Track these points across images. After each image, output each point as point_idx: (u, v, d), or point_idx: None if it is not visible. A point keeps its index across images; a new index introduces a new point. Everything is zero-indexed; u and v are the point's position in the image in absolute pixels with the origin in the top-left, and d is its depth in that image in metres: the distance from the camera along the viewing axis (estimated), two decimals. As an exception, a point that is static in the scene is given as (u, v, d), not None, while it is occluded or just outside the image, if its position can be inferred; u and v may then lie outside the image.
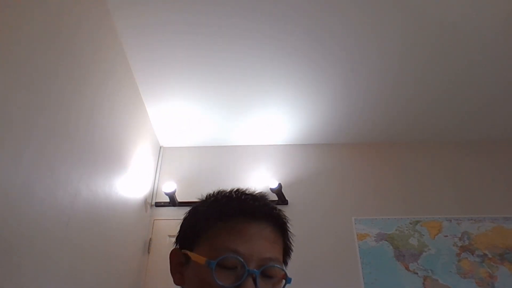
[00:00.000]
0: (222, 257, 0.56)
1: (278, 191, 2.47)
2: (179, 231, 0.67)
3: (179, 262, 0.63)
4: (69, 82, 1.39)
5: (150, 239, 2.35)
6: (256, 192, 0.68)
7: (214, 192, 0.68)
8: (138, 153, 2.25)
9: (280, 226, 0.64)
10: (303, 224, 2.44)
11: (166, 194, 2.41)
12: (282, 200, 2.50)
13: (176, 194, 2.43)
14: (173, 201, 2.44)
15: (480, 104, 2.43)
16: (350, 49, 2.02)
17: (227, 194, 0.65)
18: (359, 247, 2.34)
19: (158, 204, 2.51)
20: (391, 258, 2.30)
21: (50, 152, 1.25)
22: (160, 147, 2.80)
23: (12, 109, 1.05)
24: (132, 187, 2.12)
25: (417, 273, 2.24)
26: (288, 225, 0.67)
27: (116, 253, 1.86)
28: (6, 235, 1.01)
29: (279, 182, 2.50)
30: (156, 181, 2.61)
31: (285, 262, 0.67)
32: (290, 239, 0.68)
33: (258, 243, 0.59)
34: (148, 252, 2.30)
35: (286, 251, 0.67)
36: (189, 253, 0.61)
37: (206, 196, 0.68)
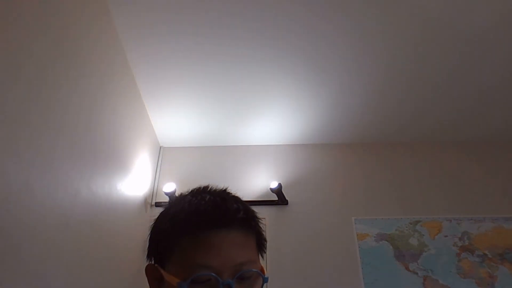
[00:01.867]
0: (193, 277, 0.54)
1: (278, 191, 2.47)
2: (148, 246, 0.65)
3: (155, 277, 0.62)
4: (69, 82, 1.38)
5: (150, 239, 2.35)
6: (218, 191, 0.66)
7: (174, 201, 0.66)
8: (138, 153, 2.25)
9: (247, 224, 0.62)
10: (303, 224, 2.44)
11: (166, 194, 2.41)
12: (282, 200, 2.50)
13: (176, 194, 2.43)
14: (173, 201, 2.44)
15: (480, 104, 2.43)
16: (350, 49, 2.02)
17: (186, 206, 0.61)
18: (359, 247, 2.34)
19: (158, 204, 2.51)
20: (391, 258, 2.30)
21: (50, 152, 1.25)
22: (160, 147, 2.80)
23: (12, 109, 1.05)
24: (132, 187, 2.12)
25: (417, 273, 2.24)
26: (257, 217, 0.64)
27: (116, 253, 1.86)
28: (6, 235, 1.01)
29: (279, 182, 2.50)
30: (156, 181, 2.61)
31: (262, 252, 0.65)
32: (261, 230, 0.65)
33: (227, 251, 0.57)
34: (148, 252, 2.30)
35: (260, 243, 0.65)
36: (162, 271, 0.59)
37: (167, 206, 0.66)
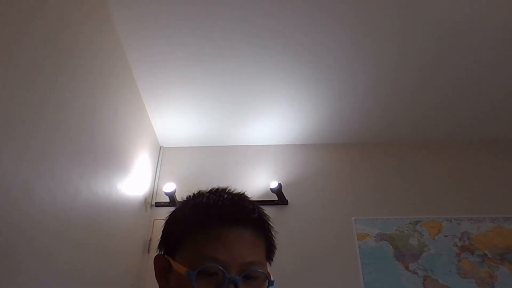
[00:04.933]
0: (202, 268, 0.55)
1: (278, 191, 2.47)
2: (161, 237, 0.67)
3: (163, 267, 0.64)
4: (70, 82, 1.39)
5: (150, 239, 2.35)
6: (235, 192, 0.67)
7: (192, 196, 0.68)
8: (138, 153, 2.25)
9: (260, 227, 0.63)
10: (303, 224, 2.44)
11: (166, 194, 2.41)
12: (282, 200, 2.50)
13: (176, 194, 2.43)
14: (173, 201, 2.44)
15: (480, 104, 2.43)
16: (350, 49, 2.01)
17: (204, 200, 0.64)
18: (359, 247, 2.34)
19: (158, 204, 2.51)
20: (391, 258, 2.30)
21: (51, 152, 1.25)
22: (160, 147, 2.80)
23: (12, 109, 1.05)
24: (132, 187, 2.12)
25: (417, 273, 2.24)
26: (270, 223, 0.66)
27: (116, 253, 1.86)
28: (6, 235, 1.01)
29: (279, 182, 2.50)
30: (156, 181, 2.61)
31: (270, 259, 0.66)
32: (273, 237, 0.66)
33: (238, 248, 0.58)
34: (148, 252, 2.30)
35: (269, 249, 0.66)
36: (171, 260, 0.61)
37: (185, 199, 0.68)
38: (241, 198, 0.65)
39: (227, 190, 0.67)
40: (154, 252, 0.67)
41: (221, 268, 0.55)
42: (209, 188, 0.68)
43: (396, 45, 1.99)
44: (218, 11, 1.80)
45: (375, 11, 1.80)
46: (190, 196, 0.68)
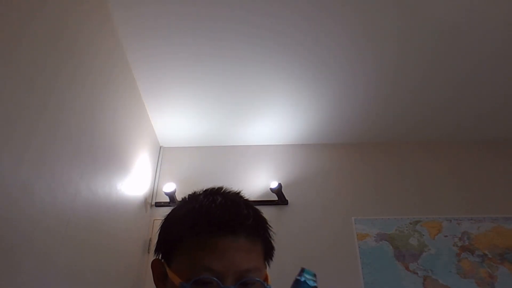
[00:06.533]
0: (196, 279, 0.54)
1: (278, 191, 2.47)
2: (157, 242, 0.65)
3: (161, 272, 0.62)
4: (70, 82, 1.39)
5: (150, 239, 2.35)
6: (231, 193, 0.65)
7: (186, 199, 0.66)
8: (138, 153, 2.25)
9: (256, 232, 0.61)
10: (303, 224, 2.44)
11: (166, 194, 2.41)
12: (282, 200, 2.50)
13: (176, 194, 2.43)
14: (173, 201, 2.44)
15: (480, 105, 2.43)
16: (350, 49, 2.01)
17: (197, 206, 0.61)
18: (359, 247, 2.34)
19: (158, 204, 2.51)
20: (391, 258, 2.30)
21: (51, 152, 1.25)
22: (160, 147, 2.80)
23: (13, 109, 1.05)
24: (132, 187, 2.12)
25: (417, 273, 2.24)
26: (267, 226, 0.64)
27: (116, 253, 1.86)
28: (6, 235, 1.01)
29: (279, 182, 2.50)
30: (156, 181, 2.61)
31: (269, 259, 0.65)
32: (270, 239, 0.64)
33: (232, 257, 0.56)
34: (148, 252, 2.30)
35: (267, 252, 0.64)
36: (167, 269, 0.60)
37: (179, 203, 0.66)
38: (235, 202, 0.62)
39: (221, 192, 0.65)
40: (154, 252, 0.67)
41: (215, 278, 0.54)
42: (204, 189, 0.66)
43: (396, 45, 1.99)
44: (218, 11, 1.80)
45: (375, 11, 1.80)
46: (184, 198, 0.66)
